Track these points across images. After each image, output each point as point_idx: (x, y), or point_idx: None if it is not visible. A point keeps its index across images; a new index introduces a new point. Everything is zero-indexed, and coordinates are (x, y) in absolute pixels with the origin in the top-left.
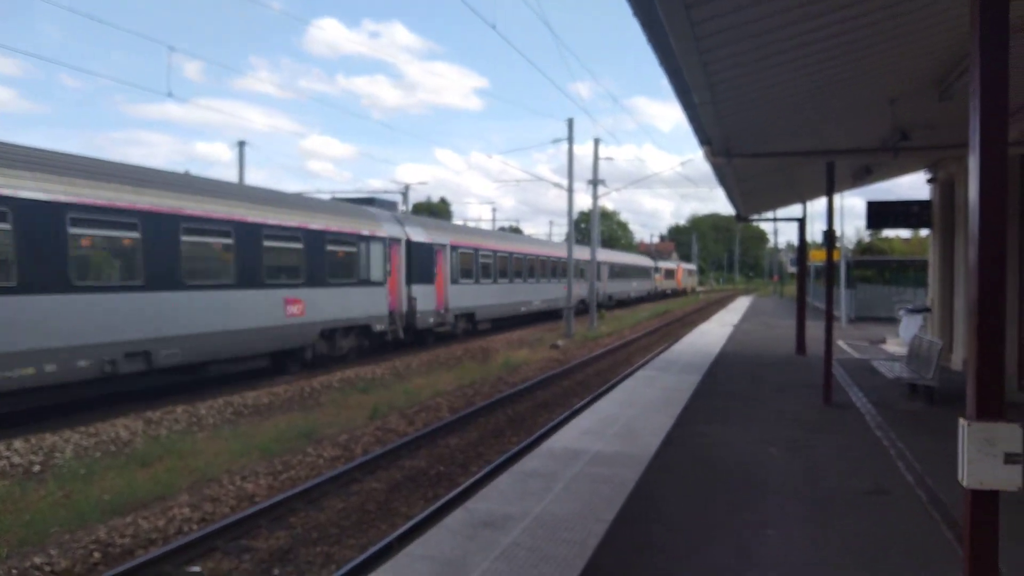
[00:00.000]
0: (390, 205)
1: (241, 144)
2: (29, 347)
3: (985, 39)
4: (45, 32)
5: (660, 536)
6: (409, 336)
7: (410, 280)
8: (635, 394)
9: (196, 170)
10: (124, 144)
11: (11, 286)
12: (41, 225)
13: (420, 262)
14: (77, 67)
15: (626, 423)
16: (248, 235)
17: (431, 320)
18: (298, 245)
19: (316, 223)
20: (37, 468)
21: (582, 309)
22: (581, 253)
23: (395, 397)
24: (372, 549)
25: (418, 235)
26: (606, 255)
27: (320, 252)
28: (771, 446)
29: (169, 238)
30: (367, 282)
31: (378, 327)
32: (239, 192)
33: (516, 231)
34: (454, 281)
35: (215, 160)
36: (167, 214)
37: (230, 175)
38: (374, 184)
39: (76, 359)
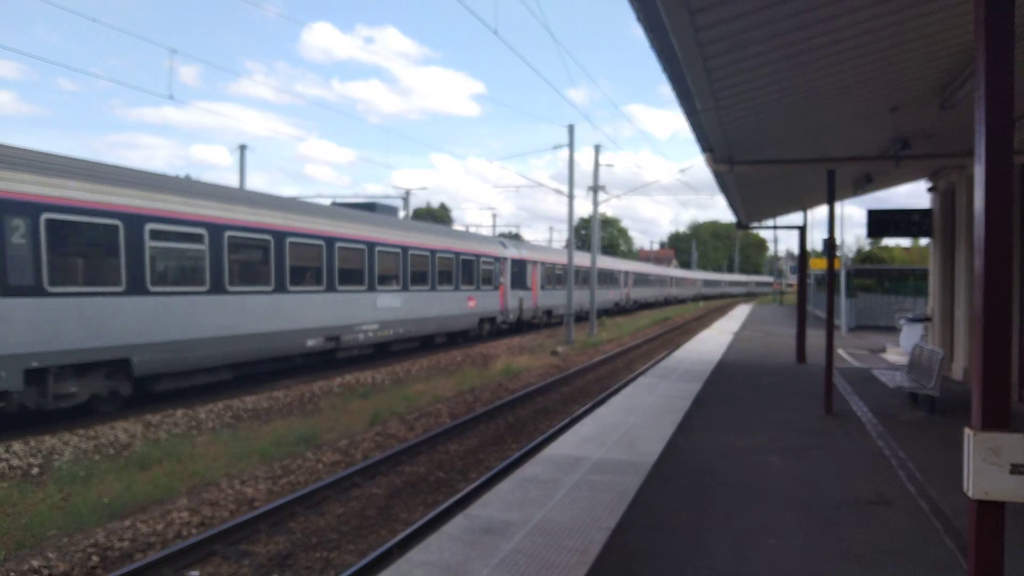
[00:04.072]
0: (391, 210)
1: (242, 148)
2: (292, 327)
3: (991, 47)
4: (41, 34)
5: (661, 544)
6: (514, 324)
7: (514, 286)
8: (636, 401)
9: (195, 174)
10: (122, 147)
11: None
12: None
13: (519, 274)
14: (75, 69)
15: (627, 430)
16: (452, 257)
17: (529, 315)
18: (471, 262)
19: (480, 249)
20: (36, 471)
21: (613, 311)
22: (607, 263)
23: (395, 403)
24: (372, 555)
25: (516, 255)
26: (631, 265)
27: (479, 267)
28: (772, 455)
29: (400, 260)
30: (496, 287)
31: (500, 318)
32: (443, 231)
33: (516, 237)
34: (542, 287)
35: (213, 164)
36: (399, 244)
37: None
38: (373, 189)
39: (310, 337)
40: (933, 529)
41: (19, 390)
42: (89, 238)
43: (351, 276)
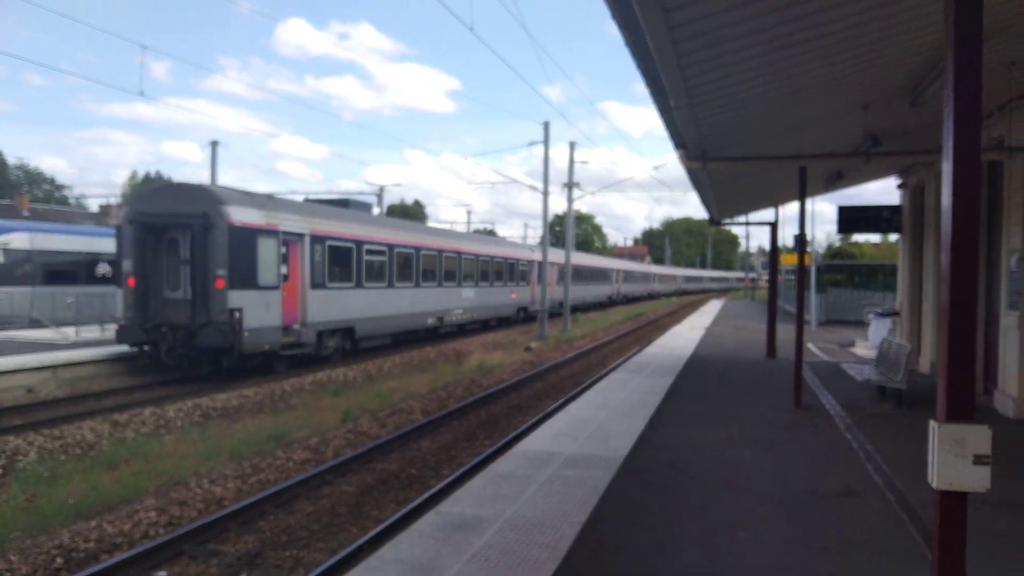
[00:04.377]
0: (365, 206)
1: (214, 144)
2: (422, 310)
3: (960, 45)
4: (9, 29)
5: (631, 537)
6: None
7: (539, 282)
8: (608, 396)
9: (166, 170)
10: (92, 143)
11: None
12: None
13: (543, 273)
14: (45, 65)
15: (599, 425)
16: (503, 261)
17: (548, 305)
18: (513, 264)
19: (518, 254)
20: None
21: (606, 304)
22: (600, 262)
23: (367, 400)
24: (342, 553)
25: (540, 257)
26: (621, 264)
27: (518, 268)
28: (742, 448)
29: (475, 264)
30: (528, 283)
31: (530, 307)
32: (496, 241)
33: (491, 233)
34: (558, 282)
35: (185, 160)
36: (474, 253)
37: (202, 175)
38: (346, 185)
39: (429, 317)
40: (899, 520)
41: (312, 343)
42: (342, 255)
43: (449, 276)
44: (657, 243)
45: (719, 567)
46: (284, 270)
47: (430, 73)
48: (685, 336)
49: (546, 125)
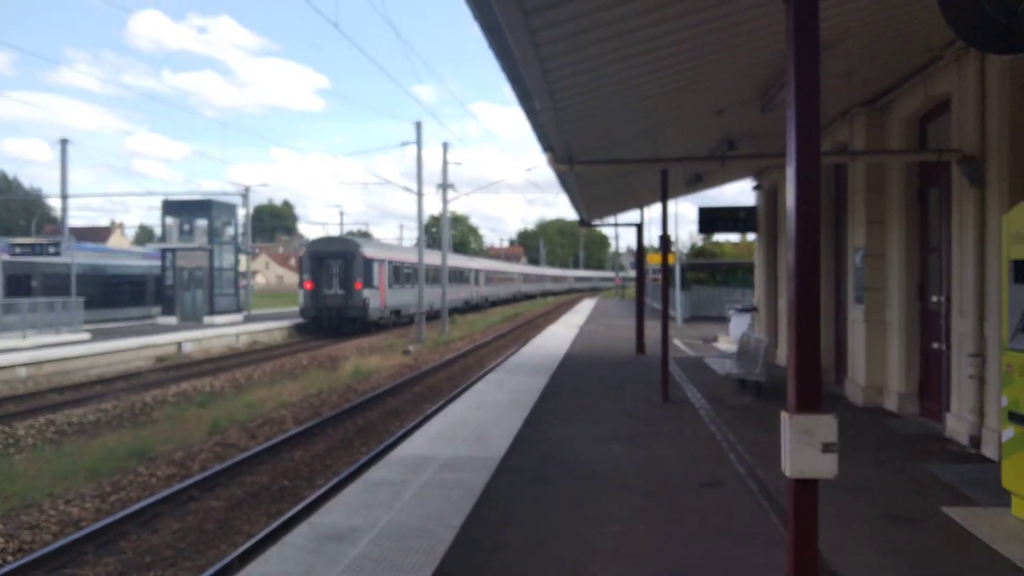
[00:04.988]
0: (229, 209)
1: (64, 142)
2: (460, 297)
3: (799, 55)
4: None
5: (507, 537)
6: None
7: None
8: (485, 397)
9: (11, 171)
10: None
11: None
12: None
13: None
14: None
15: (476, 426)
16: (501, 273)
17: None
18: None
19: (513, 269)
20: None
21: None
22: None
23: (236, 410)
24: (210, 570)
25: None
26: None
27: (519, 278)
28: (613, 443)
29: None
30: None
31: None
32: (491, 260)
33: (365, 235)
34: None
35: (30, 159)
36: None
37: (51, 176)
38: (209, 185)
39: (466, 300)
40: (761, 507)
41: (389, 316)
42: (405, 272)
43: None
44: (532, 244)
45: (591, 560)
46: (379, 279)
47: (296, 69)
48: (560, 335)
49: (418, 125)
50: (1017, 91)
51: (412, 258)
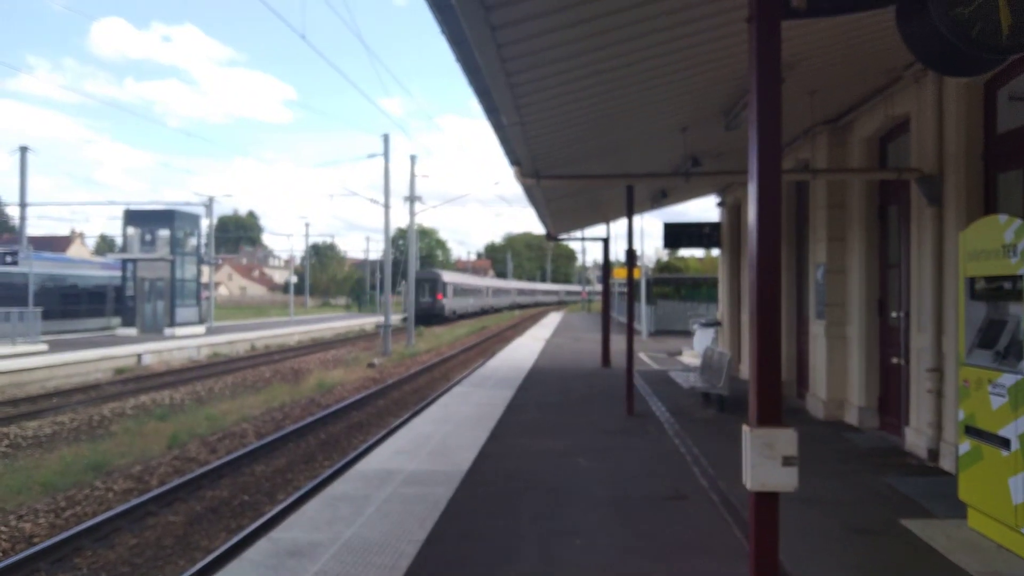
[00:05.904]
0: (192, 219)
1: (23, 150)
2: (497, 303)
3: (762, 76)
4: None
5: (470, 552)
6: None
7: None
8: (451, 411)
9: None
10: None
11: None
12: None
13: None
14: None
15: (441, 440)
16: (501, 290)
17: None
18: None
19: (512, 285)
20: None
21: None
22: (499, 282)
23: (197, 424)
24: None
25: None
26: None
27: (487, 291)
28: (579, 456)
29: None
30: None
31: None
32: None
33: (331, 248)
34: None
35: None
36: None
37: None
38: (172, 196)
39: (497, 307)
40: (724, 520)
41: (454, 314)
42: (465, 289)
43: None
44: (499, 257)
45: (555, 573)
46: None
47: (263, 80)
48: (527, 348)
49: (386, 138)
50: (973, 112)
51: (464, 280)
